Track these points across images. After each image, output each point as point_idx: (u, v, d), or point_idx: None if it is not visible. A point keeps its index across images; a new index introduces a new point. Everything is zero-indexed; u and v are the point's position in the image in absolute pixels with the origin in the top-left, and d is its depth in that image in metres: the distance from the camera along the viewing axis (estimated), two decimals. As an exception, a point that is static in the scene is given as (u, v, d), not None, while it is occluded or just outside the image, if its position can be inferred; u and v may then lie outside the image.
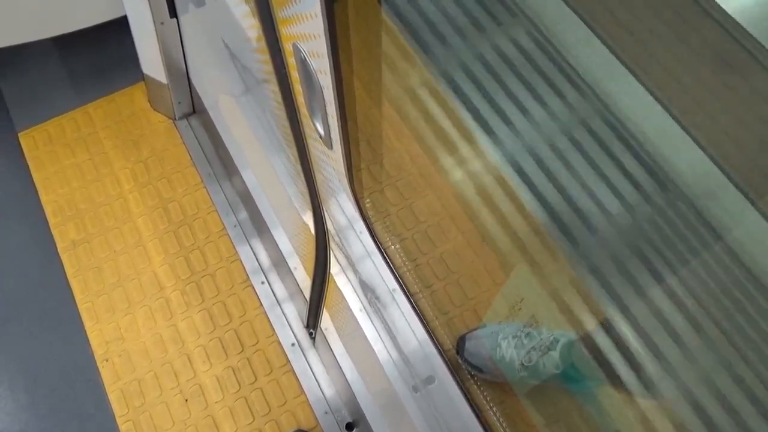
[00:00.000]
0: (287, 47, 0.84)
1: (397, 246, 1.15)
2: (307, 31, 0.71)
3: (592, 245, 0.92)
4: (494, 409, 1.06)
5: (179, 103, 1.93)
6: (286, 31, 0.81)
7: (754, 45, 0.49)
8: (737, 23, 0.49)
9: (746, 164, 0.58)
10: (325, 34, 0.65)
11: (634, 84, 0.62)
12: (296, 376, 1.64)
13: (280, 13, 0.79)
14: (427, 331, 1.00)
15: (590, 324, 0.90)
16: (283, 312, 1.72)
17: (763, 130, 0.54)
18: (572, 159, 0.91)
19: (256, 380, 1.64)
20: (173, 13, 1.64)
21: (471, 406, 0.99)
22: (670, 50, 0.59)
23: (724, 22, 0.50)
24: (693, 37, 0.55)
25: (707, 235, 0.70)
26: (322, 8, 0.62)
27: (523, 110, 0.96)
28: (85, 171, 1.92)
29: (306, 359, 1.66)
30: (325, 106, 0.81)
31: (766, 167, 0.57)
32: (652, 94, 0.61)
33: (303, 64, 0.79)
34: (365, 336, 1.15)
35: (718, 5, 0.50)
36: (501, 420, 1.04)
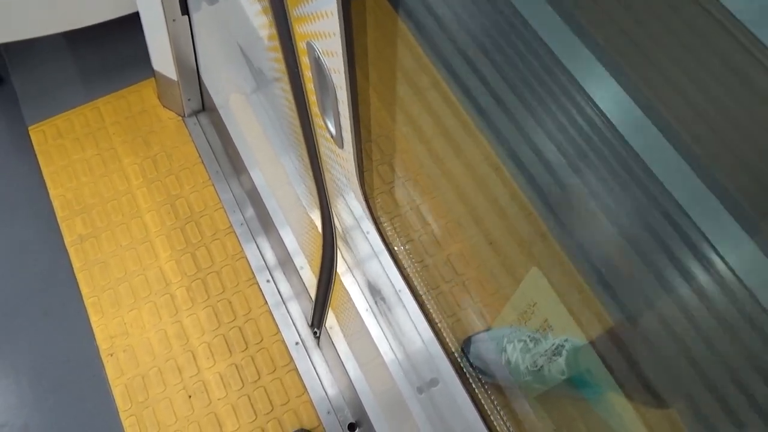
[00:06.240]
0: (300, 46, 0.84)
1: (406, 246, 1.15)
2: (322, 30, 0.71)
3: (600, 250, 0.92)
4: (499, 412, 1.06)
5: (189, 100, 1.94)
6: (300, 30, 0.81)
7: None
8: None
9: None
10: (341, 33, 0.65)
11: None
12: (299, 375, 1.64)
13: (294, 12, 0.79)
14: (435, 332, 0.99)
15: (596, 330, 0.89)
16: (287, 311, 1.72)
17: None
18: (583, 163, 0.91)
19: (259, 378, 1.64)
20: (185, 10, 1.64)
21: (476, 408, 0.99)
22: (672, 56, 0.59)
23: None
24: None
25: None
26: (338, 6, 0.62)
27: (534, 113, 0.96)
28: (94, 166, 1.92)
29: (310, 358, 1.66)
30: (337, 105, 0.80)
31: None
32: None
33: (316, 63, 0.79)
34: (371, 336, 1.15)
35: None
36: (506, 423, 1.03)
